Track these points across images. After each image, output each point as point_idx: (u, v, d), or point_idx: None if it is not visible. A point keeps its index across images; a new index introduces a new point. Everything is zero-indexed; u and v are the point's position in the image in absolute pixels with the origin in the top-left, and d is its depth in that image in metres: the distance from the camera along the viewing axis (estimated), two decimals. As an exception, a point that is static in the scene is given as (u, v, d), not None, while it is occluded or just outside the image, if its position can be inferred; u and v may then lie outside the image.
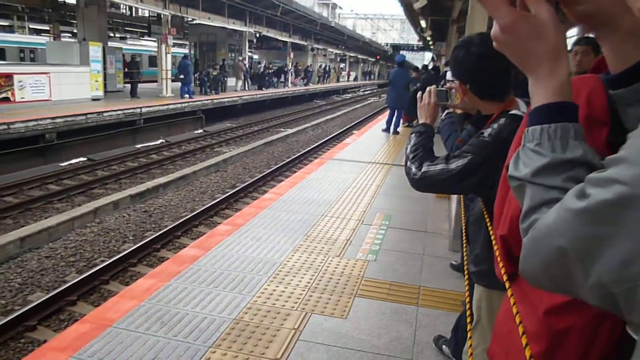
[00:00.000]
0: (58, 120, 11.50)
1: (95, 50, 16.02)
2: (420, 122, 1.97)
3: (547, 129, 0.64)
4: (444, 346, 2.96)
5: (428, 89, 2.00)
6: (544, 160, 0.64)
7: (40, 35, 27.04)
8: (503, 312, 1.18)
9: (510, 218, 0.98)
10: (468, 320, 1.71)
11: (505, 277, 1.18)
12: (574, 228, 0.54)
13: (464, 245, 2.17)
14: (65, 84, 14.45)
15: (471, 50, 1.80)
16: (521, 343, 1.01)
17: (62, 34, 20.98)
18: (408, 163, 1.82)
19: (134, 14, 28.03)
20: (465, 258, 2.13)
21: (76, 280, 5.19)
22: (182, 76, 18.25)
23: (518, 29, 0.67)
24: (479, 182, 1.67)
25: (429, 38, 22.20)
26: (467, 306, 1.74)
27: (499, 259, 1.16)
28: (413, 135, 1.90)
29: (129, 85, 18.25)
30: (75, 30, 20.75)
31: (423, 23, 17.58)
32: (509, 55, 0.70)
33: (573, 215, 0.54)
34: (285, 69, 31.03)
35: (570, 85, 0.67)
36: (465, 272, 1.93)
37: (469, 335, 1.68)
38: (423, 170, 1.74)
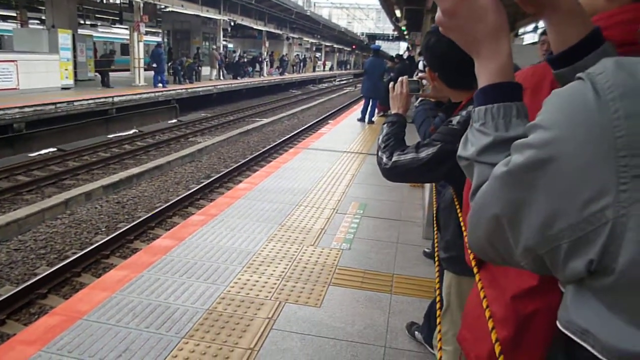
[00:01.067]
0: (26, 109, 11.21)
1: (64, 37, 15.63)
2: (392, 112, 1.97)
3: (491, 109, 0.66)
4: (416, 332, 3.00)
5: (400, 79, 2.00)
6: (488, 139, 0.65)
7: (7, 22, 26.23)
8: (472, 298, 1.20)
9: None
10: (437, 306, 1.73)
11: (474, 263, 1.20)
12: (501, 194, 0.57)
13: (435, 231, 2.20)
14: (33, 73, 14.06)
15: (442, 37, 1.80)
16: (489, 328, 1.03)
17: (30, 21, 20.42)
18: (379, 153, 1.82)
19: (104, 1, 27.35)
20: (435, 244, 2.15)
21: (46, 272, 5.09)
22: (154, 65, 17.93)
23: (459, 13, 0.69)
24: (449, 170, 1.67)
25: (404, 28, 22.24)
26: (437, 292, 1.77)
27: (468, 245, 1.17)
28: (385, 125, 1.90)
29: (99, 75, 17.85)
30: (43, 17, 20.21)
31: (398, 13, 17.61)
32: (454, 39, 0.72)
33: (499, 181, 0.57)
34: (260, 59, 30.77)
35: (511, 65, 0.68)
36: (436, 259, 1.95)
37: (438, 320, 1.70)
38: (394, 159, 1.74)
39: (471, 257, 1.20)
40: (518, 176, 0.54)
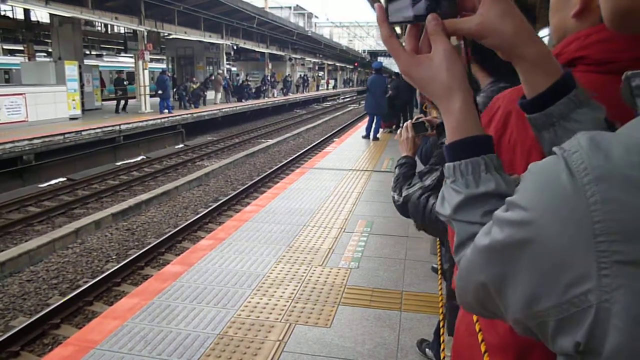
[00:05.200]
0: (35, 141, 11.38)
1: (71, 69, 15.88)
2: (402, 155, 2.02)
3: (459, 165, 0.66)
4: (427, 349, 3.00)
5: (405, 124, 2.06)
6: (460, 197, 0.65)
7: (15, 56, 26.74)
8: (464, 327, 1.19)
9: None
10: (441, 317, 1.75)
11: None
12: (485, 266, 0.56)
13: (439, 245, 2.23)
14: (41, 104, 14.29)
15: None
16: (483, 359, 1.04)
17: (37, 54, 20.79)
18: (392, 194, 1.87)
19: (109, 31, 27.86)
20: (439, 257, 2.18)
21: (59, 302, 5.13)
22: (160, 92, 18.18)
23: (412, 74, 0.70)
24: None
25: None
26: (441, 304, 1.79)
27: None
28: (396, 168, 1.96)
29: (107, 103, 18.13)
30: (50, 50, 20.59)
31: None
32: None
33: (482, 252, 0.56)
34: (267, 80, 31.08)
35: (471, 117, 0.67)
36: (439, 271, 1.98)
37: (441, 331, 1.72)
38: (404, 194, 1.80)
39: None
40: (499, 252, 0.54)
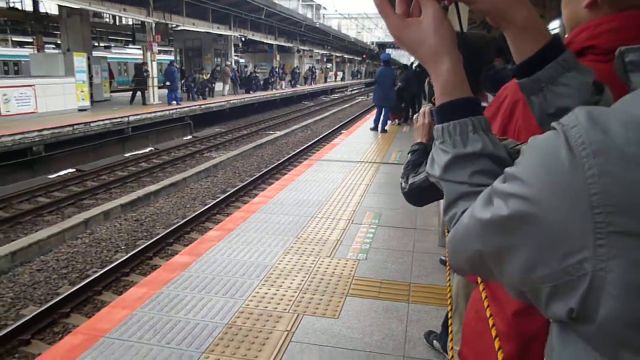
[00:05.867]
0: (45, 132, 11.44)
1: (80, 60, 15.92)
2: (416, 141, 1.96)
3: (447, 127, 0.67)
4: (434, 341, 3.00)
5: (422, 109, 2.00)
6: (448, 157, 0.66)
7: (24, 48, 26.86)
8: (473, 314, 1.19)
9: None
10: (449, 308, 1.75)
11: (479, 280, 1.19)
12: (484, 235, 0.57)
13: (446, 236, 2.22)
14: (50, 96, 14.35)
15: None
16: (493, 345, 1.04)
17: (46, 46, 20.85)
18: (400, 180, 1.85)
19: (117, 23, 27.90)
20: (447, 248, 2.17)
21: (69, 292, 5.18)
22: (168, 83, 18.19)
23: (401, 37, 0.71)
24: None
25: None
26: (449, 295, 1.78)
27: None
28: (409, 154, 1.92)
29: (115, 95, 18.13)
30: (59, 41, 20.66)
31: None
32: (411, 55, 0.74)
33: (481, 224, 0.57)
34: (275, 72, 31.01)
35: (459, 80, 0.69)
36: (447, 263, 1.97)
37: (449, 322, 1.72)
38: (410, 182, 1.77)
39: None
40: (501, 225, 0.55)
